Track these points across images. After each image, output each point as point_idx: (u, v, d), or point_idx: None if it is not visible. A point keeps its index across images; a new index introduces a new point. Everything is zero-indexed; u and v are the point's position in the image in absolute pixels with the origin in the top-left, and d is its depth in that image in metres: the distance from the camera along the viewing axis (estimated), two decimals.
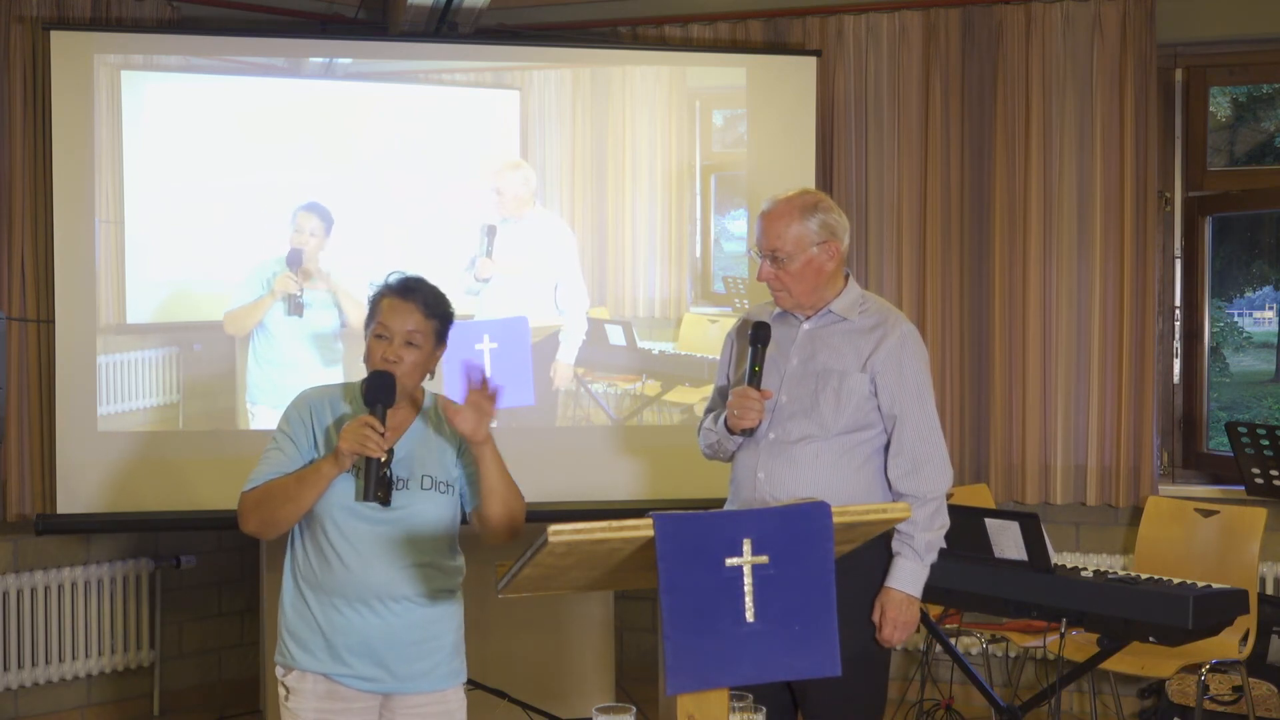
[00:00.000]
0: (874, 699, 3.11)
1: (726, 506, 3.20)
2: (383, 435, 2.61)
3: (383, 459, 2.63)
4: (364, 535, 2.70)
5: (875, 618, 3.04)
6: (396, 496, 2.69)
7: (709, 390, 3.49)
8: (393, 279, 2.81)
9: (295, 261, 4.58)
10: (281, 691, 2.77)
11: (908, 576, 3.04)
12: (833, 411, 3.06)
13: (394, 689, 2.74)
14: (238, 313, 4.59)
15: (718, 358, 3.39)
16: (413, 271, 2.85)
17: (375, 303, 2.79)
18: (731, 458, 3.22)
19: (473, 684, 2.99)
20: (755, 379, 3.07)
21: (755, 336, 3.09)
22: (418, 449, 2.77)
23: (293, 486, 2.67)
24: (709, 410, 3.32)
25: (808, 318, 3.15)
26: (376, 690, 2.74)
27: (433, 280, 2.86)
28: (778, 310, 3.18)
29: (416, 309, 2.76)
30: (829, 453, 3.07)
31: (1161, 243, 5.14)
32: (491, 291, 4.75)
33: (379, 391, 2.67)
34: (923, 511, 3.03)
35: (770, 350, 3.12)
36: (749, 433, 3.08)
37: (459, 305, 4.63)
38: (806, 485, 3.04)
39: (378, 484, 2.63)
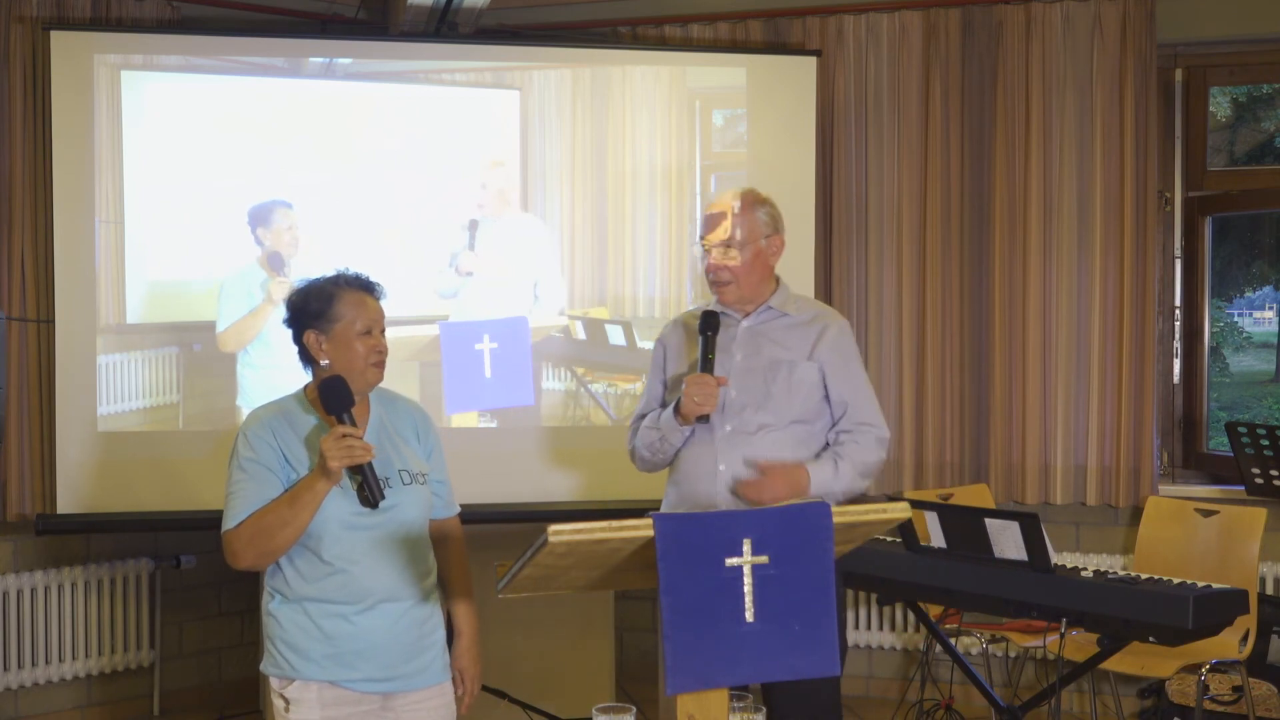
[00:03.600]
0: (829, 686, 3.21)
1: (670, 506, 3.27)
2: (360, 438, 2.61)
3: (372, 460, 2.64)
4: (362, 542, 2.69)
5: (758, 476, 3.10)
6: (385, 495, 2.69)
7: None
8: (348, 276, 2.79)
9: (278, 264, 4.57)
10: (279, 703, 2.73)
11: (822, 475, 3.14)
12: (786, 400, 3.20)
13: (398, 688, 2.74)
14: (238, 327, 4.58)
15: None
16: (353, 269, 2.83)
17: (333, 303, 2.73)
18: (670, 456, 3.28)
19: None
20: (709, 366, 3.16)
21: (705, 325, 3.19)
22: (383, 444, 2.77)
23: (287, 511, 2.62)
24: (639, 414, 3.39)
25: (746, 315, 3.28)
26: (382, 690, 2.73)
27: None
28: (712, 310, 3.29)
29: (377, 301, 2.80)
30: (786, 442, 3.20)
31: (1161, 243, 5.14)
32: (468, 291, 4.74)
33: (341, 398, 2.65)
34: (865, 439, 3.20)
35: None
36: (705, 419, 3.15)
37: (436, 308, 4.69)
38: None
39: (377, 485, 2.65)
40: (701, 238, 3.28)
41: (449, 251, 4.73)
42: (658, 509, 3.39)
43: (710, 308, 3.30)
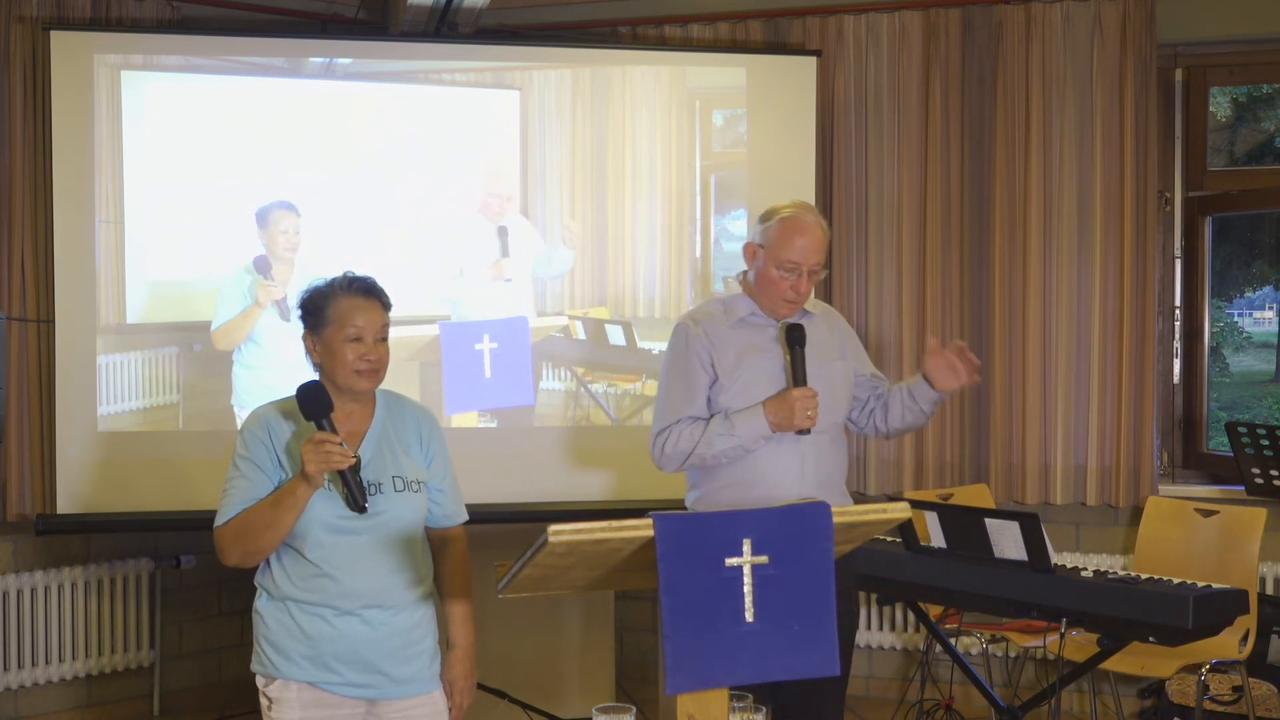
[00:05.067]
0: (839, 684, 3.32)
1: (743, 505, 3.20)
2: (341, 444, 2.59)
3: (355, 463, 2.63)
4: (349, 546, 2.68)
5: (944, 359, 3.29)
6: (373, 501, 2.67)
7: None
8: (347, 279, 2.76)
9: (265, 267, 4.57)
10: (264, 701, 2.72)
11: None
12: (842, 396, 3.36)
13: (383, 694, 2.73)
14: (226, 327, 4.57)
15: None
16: (360, 271, 2.81)
17: (327, 304, 2.72)
18: (721, 460, 3.27)
19: None
20: (804, 379, 3.22)
21: (794, 339, 3.23)
22: (381, 449, 2.76)
23: (270, 513, 2.62)
24: (679, 418, 3.29)
25: (779, 319, 3.31)
26: (365, 696, 2.72)
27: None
28: (743, 315, 3.32)
29: (379, 306, 2.76)
30: (839, 437, 3.36)
31: (1161, 243, 5.15)
32: (482, 294, 4.76)
33: (318, 405, 2.63)
34: None
35: (756, 353, 3.27)
36: (806, 431, 3.21)
37: (436, 308, 4.70)
38: (832, 470, 3.33)
39: (359, 490, 2.63)
40: (792, 257, 3.23)
41: (450, 250, 4.73)
42: (658, 509, 3.39)
43: (731, 321, 3.30)
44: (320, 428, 2.61)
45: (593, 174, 4.85)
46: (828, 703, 3.27)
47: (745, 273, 3.37)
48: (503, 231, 4.75)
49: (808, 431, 3.20)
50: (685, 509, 3.40)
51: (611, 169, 4.86)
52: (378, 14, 5.24)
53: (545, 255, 4.81)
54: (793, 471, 3.24)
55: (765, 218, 3.32)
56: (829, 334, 3.38)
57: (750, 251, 3.33)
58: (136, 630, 5.06)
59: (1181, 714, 4.54)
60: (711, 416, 3.26)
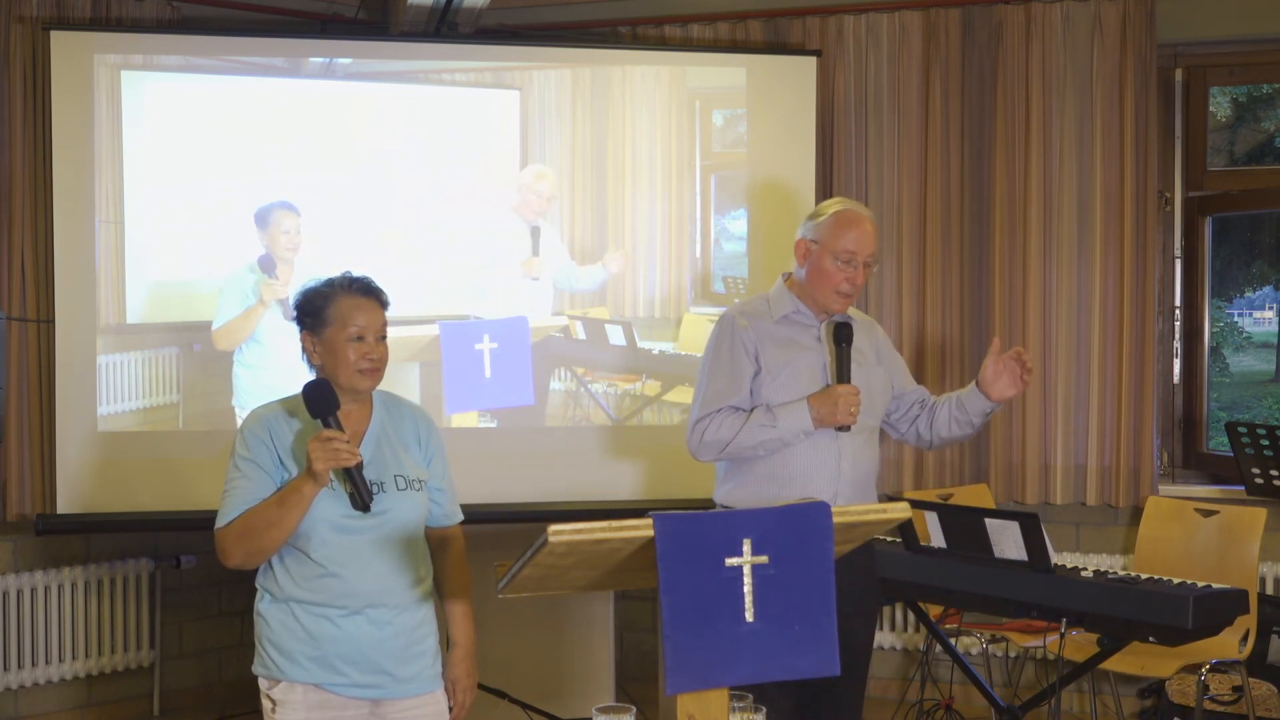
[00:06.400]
0: (858, 686, 3.40)
1: (777, 501, 3.19)
2: (347, 442, 2.59)
3: (360, 464, 2.63)
4: (353, 545, 2.68)
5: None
6: (376, 500, 2.67)
7: None
8: (347, 279, 2.76)
9: (270, 266, 4.57)
10: (267, 704, 2.72)
11: None
12: (880, 398, 3.40)
13: (387, 694, 2.73)
14: (229, 327, 4.56)
15: None
16: (358, 271, 2.81)
17: (327, 305, 2.72)
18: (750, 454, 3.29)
19: None
20: (848, 377, 3.26)
21: (840, 337, 3.27)
22: (382, 449, 2.76)
23: (274, 512, 2.61)
24: (719, 407, 3.30)
25: (825, 318, 3.34)
26: (370, 696, 2.72)
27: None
28: (787, 312, 3.33)
29: (378, 305, 2.76)
30: (874, 440, 3.42)
31: (1161, 243, 5.14)
32: (497, 291, 4.77)
33: (325, 402, 2.63)
34: None
35: (798, 350, 3.28)
36: (846, 428, 3.25)
37: (462, 306, 4.72)
38: (867, 471, 3.36)
39: (366, 488, 2.63)
40: (848, 247, 3.25)
41: (448, 250, 4.74)
42: (657, 509, 3.39)
43: (775, 317, 3.32)
44: (327, 425, 2.62)
45: (593, 174, 4.85)
46: (844, 700, 3.31)
47: (790, 273, 3.40)
48: (535, 231, 4.77)
49: (848, 429, 3.23)
50: (712, 504, 3.41)
51: (611, 169, 4.86)
52: (378, 14, 5.24)
53: (569, 268, 4.81)
54: (829, 470, 3.27)
55: (815, 215, 3.35)
56: (867, 342, 3.41)
57: (803, 248, 3.33)
58: (136, 630, 5.06)
59: (1181, 714, 4.54)
60: (753, 408, 3.28)
